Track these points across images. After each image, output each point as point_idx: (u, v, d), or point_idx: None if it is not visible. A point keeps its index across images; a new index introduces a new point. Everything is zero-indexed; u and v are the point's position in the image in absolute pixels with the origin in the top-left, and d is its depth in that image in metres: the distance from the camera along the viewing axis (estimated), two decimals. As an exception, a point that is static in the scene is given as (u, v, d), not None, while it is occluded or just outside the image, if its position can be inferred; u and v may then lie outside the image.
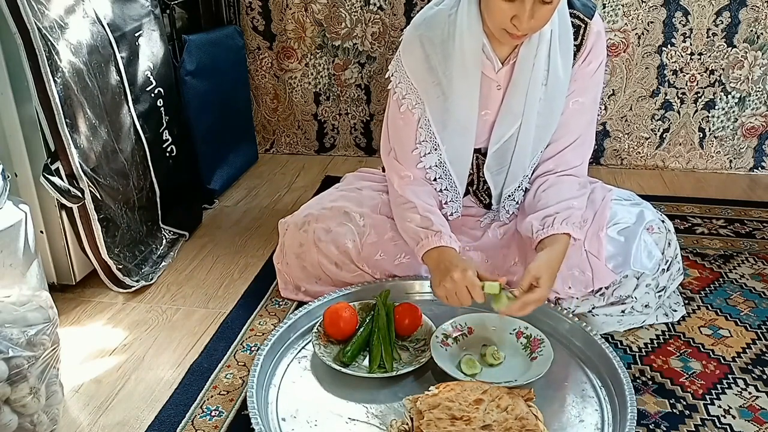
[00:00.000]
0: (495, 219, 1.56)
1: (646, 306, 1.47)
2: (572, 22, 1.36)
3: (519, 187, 1.48)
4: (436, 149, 1.43)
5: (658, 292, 1.49)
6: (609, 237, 1.44)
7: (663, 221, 1.52)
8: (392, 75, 1.43)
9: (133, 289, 1.73)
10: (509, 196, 1.49)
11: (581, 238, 1.39)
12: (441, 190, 1.48)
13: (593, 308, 1.46)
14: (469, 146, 1.44)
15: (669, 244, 1.50)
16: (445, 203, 1.50)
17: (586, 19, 1.36)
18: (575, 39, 1.37)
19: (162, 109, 1.93)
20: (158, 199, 1.93)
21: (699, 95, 2.39)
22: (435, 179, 1.47)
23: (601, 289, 1.46)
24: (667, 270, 1.50)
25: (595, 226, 1.44)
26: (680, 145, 2.47)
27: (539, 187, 1.43)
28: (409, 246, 1.44)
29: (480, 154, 1.48)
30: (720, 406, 1.29)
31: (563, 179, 1.43)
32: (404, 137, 1.44)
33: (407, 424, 1.13)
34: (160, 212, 1.94)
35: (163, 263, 1.85)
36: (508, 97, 1.38)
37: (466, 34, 1.32)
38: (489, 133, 1.43)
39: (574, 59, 1.38)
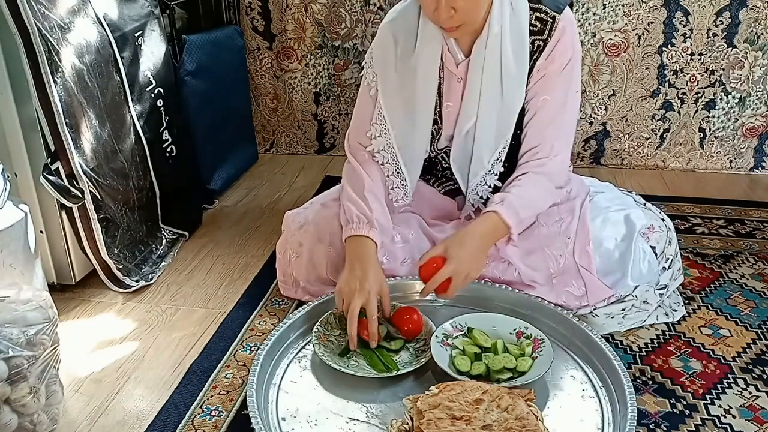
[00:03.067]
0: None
1: (645, 302, 1.46)
2: (539, 17, 1.38)
3: (482, 182, 1.51)
4: (385, 133, 1.48)
5: (659, 290, 1.49)
6: (603, 253, 1.43)
7: (663, 219, 1.52)
8: (365, 63, 1.53)
9: (133, 289, 1.73)
10: (478, 183, 1.51)
11: (513, 231, 1.39)
12: (388, 176, 1.52)
13: (595, 308, 1.46)
14: (424, 136, 1.49)
15: (669, 242, 1.50)
16: (392, 189, 1.53)
17: (553, 14, 1.37)
18: (541, 35, 1.38)
19: (162, 109, 1.93)
20: (158, 199, 1.93)
21: (699, 95, 2.39)
22: (383, 164, 1.51)
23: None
24: (668, 268, 1.50)
25: (582, 240, 1.43)
26: (680, 145, 2.47)
27: (512, 181, 1.45)
28: (341, 221, 1.49)
29: (440, 150, 1.55)
30: (720, 406, 1.29)
31: (536, 178, 1.43)
32: (361, 118, 1.53)
33: (407, 424, 1.13)
34: (160, 212, 1.94)
35: (163, 263, 1.85)
36: (466, 91, 1.43)
37: (430, 26, 1.39)
38: (454, 125, 1.48)
39: (538, 55, 1.39)
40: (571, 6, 1.42)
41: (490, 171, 1.49)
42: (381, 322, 1.41)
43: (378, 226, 1.43)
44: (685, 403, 1.30)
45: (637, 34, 2.33)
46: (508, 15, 1.36)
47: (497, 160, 1.48)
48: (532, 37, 1.39)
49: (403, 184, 1.53)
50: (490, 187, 1.51)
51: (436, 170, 1.63)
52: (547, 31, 1.38)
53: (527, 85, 1.42)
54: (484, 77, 1.40)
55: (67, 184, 1.58)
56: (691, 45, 2.32)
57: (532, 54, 1.39)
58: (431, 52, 1.42)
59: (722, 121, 2.42)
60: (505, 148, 1.47)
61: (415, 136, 1.49)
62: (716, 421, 1.26)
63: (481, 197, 1.53)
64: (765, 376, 1.37)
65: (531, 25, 1.38)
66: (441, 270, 1.33)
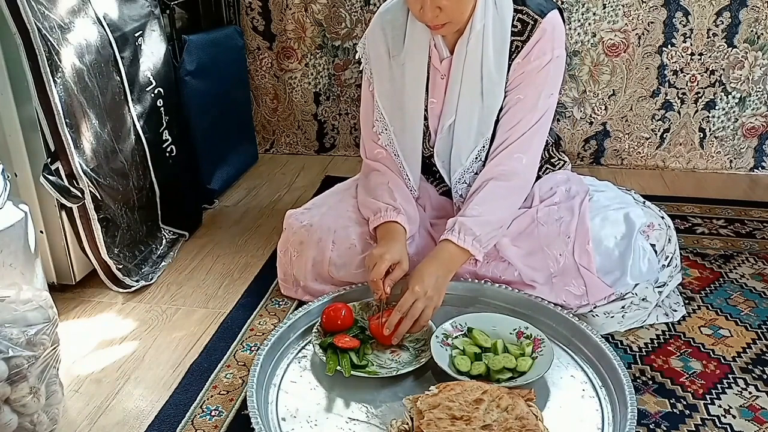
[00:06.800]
0: None
1: (644, 300, 1.46)
2: (521, 19, 1.39)
3: (461, 180, 1.51)
4: (386, 129, 1.52)
5: (658, 287, 1.49)
6: (603, 252, 1.43)
7: (663, 217, 1.52)
8: (359, 55, 1.54)
9: (133, 289, 1.73)
10: (458, 181, 1.52)
11: (473, 252, 1.38)
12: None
13: (595, 307, 1.46)
14: (417, 132, 1.50)
15: (669, 240, 1.50)
16: None
17: (535, 16, 1.38)
18: (521, 35, 1.39)
19: (162, 109, 1.93)
20: (158, 199, 1.93)
21: (699, 95, 2.39)
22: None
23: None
24: (667, 266, 1.50)
25: (581, 239, 1.43)
26: (681, 145, 2.47)
27: (476, 190, 1.44)
28: (365, 216, 1.52)
29: (432, 147, 1.54)
30: (720, 406, 1.29)
31: (495, 188, 1.42)
32: (367, 116, 1.56)
33: (407, 424, 1.13)
34: (160, 212, 1.94)
35: (163, 263, 1.85)
36: (448, 88, 1.45)
37: (417, 22, 1.40)
38: (438, 121, 1.49)
39: (517, 54, 1.40)
40: (561, 12, 1.41)
41: (468, 169, 1.50)
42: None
43: (405, 214, 1.46)
44: (685, 403, 1.30)
45: (637, 34, 2.33)
46: (491, 14, 1.38)
47: (476, 158, 1.49)
48: (512, 38, 1.40)
49: (406, 178, 1.55)
50: (470, 186, 1.51)
51: (433, 169, 1.63)
52: (526, 33, 1.39)
53: (506, 85, 1.43)
54: (464, 75, 1.41)
55: (67, 184, 1.58)
56: (691, 45, 2.32)
57: (510, 54, 1.40)
58: (419, 47, 1.44)
59: (722, 121, 2.42)
60: (484, 147, 1.47)
61: (407, 131, 1.51)
62: (716, 421, 1.26)
63: (462, 196, 1.53)
64: (765, 376, 1.37)
65: (513, 26, 1.39)
66: (405, 296, 1.31)
